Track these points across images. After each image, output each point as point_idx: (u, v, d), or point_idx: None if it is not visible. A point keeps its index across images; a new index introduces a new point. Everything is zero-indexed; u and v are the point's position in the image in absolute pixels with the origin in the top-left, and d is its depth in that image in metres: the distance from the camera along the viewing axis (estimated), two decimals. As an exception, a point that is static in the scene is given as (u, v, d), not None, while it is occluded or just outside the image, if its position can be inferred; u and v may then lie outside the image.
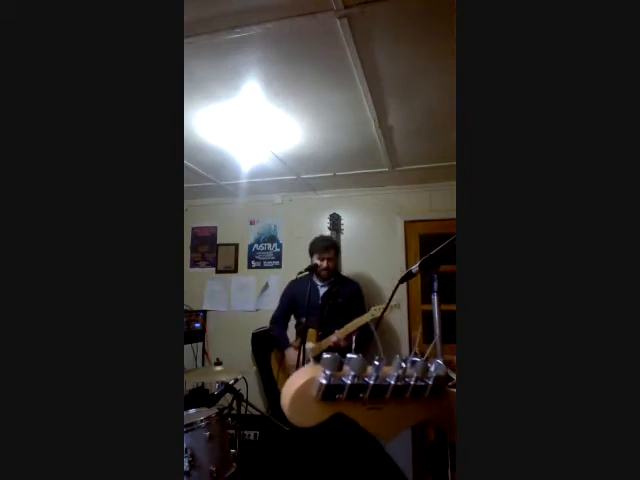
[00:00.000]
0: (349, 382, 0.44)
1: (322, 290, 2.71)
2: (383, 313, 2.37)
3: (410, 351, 3.14)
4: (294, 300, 2.75)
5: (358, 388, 0.44)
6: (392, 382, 0.45)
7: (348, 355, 0.45)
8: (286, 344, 2.71)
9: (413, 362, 0.46)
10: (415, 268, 1.13)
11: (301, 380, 0.45)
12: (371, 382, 0.44)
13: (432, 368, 0.46)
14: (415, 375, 0.45)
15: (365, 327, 2.51)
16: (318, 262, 2.63)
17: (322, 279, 2.69)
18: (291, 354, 2.62)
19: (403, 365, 0.46)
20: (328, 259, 2.62)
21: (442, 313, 1.25)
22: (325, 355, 0.44)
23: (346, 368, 0.44)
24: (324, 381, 0.43)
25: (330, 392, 0.44)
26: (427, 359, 0.46)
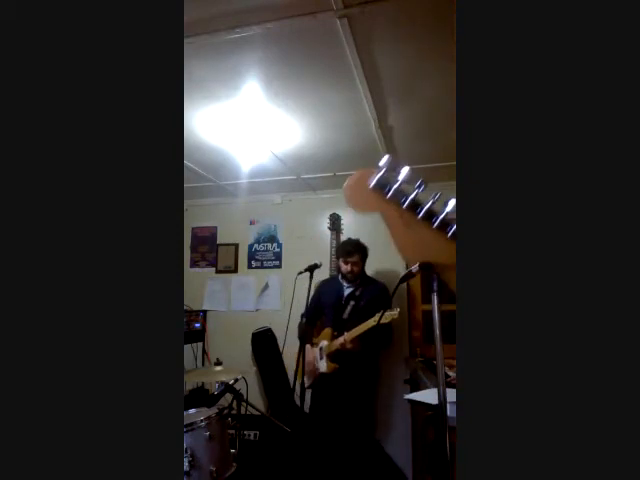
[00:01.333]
0: (395, 185, 0.53)
1: (347, 291, 2.74)
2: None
3: (410, 351, 3.14)
4: (320, 299, 2.80)
5: (400, 194, 0.53)
6: (426, 206, 0.52)
7: (403, 168, 0.53)
8: (307, 340, 2.74)
9: (448, 200, 0.52)
10: (415, 268, 1.13)
11: (362, 172, 0.55)
12: (411, 196, 0.52)
13: None
14: (446, 211, 0.52)
15: (386, 330, 2.51)
16: (343, 266, 2.68)
17: (347, 281, 2.73)
18: (309, 351, 2.65)
19: (437, 196, 0.53)
20: (352, 263, 2.66)
21: (442, 313, 1.25)
22: (386, 156, 0.53)
23: (395, 174, 0.53)
24: (379, 174, 0.53)
25: (380, 183, 0.53)
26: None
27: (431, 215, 0.52)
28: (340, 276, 2.77)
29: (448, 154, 2.57)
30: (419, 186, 0.52)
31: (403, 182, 0.52)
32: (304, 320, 2.54)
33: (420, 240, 0.53)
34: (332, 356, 2.58)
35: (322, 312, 2.81)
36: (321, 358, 2.62)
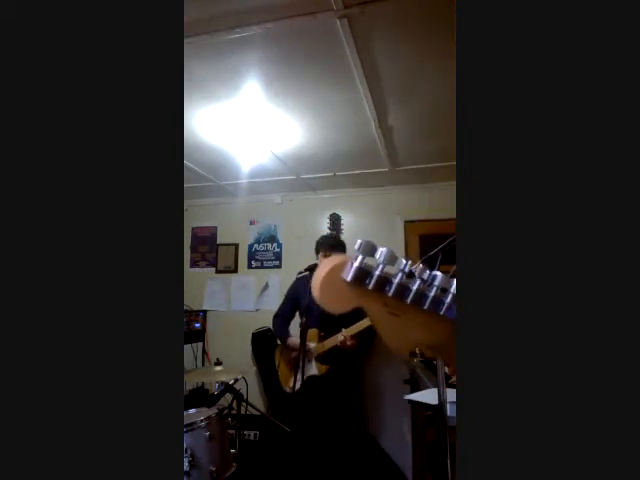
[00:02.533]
0: (377, 272, 0.46)
1: None
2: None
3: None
4: (298, 298, 2.71)
5: (384, 281, 0.46)
6: (414, 287, 0.46)
7: (380, 247, 0.46)
8: (286, 335, 2.70)
9: (435, 276, 0.47)
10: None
11: (334, 262, 0.46)
12: (396, 280, 0.46)
13: (453, 285, 0.47)
14: (435, 287, 0.46)
15: (369, 329, 2.49)
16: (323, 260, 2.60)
17: None
18: (293, 341, 2.58)
19: (426, 275, 0.47)
20: None
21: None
22: (359, 241, 0.46)
23: (376, 259, 0.46)
24: (356, 263, 0.45)
25: (359, 275, 0.45)
26: (451, 276, 0.47)
27: (420, 295, 0.46)
28: None
29: (448, 154, 2.58)
30: (403, 268, 0.46)
31: (384, 267, 0.45)
32: (304, 320, 2.51)
33: (410, 326, 0.47)
34: (322, 357, 2.52)
35: (297, 311, 2.74)
36: (309, 361, 2.53)
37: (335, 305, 0.46)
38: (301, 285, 2.67)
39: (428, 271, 0.47)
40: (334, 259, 0.47)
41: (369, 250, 0.45)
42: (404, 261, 0.46)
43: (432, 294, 0.46)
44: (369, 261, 0.46)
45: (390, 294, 0.46)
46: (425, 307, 0.46)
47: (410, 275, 0.46)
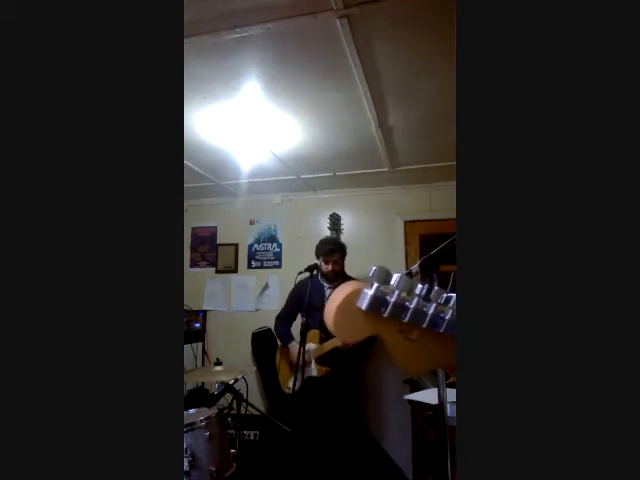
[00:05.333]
0: (393, 299, 0.45)
1: (328, 291, 2.67)
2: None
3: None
4: (300, 299, 2.70)
5: (400, 308, 0.45)
6: (430, 311, 0.46)
7: (395, 274, 0.46)
8: (289, 339, 2.70)
9: (449, 297, 0.47)
10: (415, 268, 1.13)
11: (348, 290, 0.46)
12: (412, 306, 0.46)
13: None
14: (452, 309, 0.46)
15: None
16: (323, 265, 2.60)
17: (327, 280, 2.67)
18: (295, 348, 2.57)
19: (443, 298, 0.47)
20: (333, 262, 2.59)
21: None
22: (374, 267, 0.45)
23: (391, 286, 0.46)
24: (371, 291, 0.45)
25: (375, 303, 0.45)
26: None
27: (436, 318, 0.46)
28: (319, 276, 2.68)
29: (448, 154, 2.57)
30: (420, 293, 0.46)
31: (400, 293, 0.45)
32: (305, 321, 2.49)
33: (425, 350, 0.47)
34: (322, 359, 2.51)
35: (299, 312, 2.74)
36: (309, 362, 2.53)
37: (350, 334, 0.46)
38: (303, 286, 2.67)
39: (445, 294, 0.47)
40: (348, 286, 0.46)
41: (383, 277, 0.45)
42: (420, 286, 0.46)
43: (448, 316, 0.46)
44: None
45: (406, 320, 0.46)
46: (442, 330, 0.46)
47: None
